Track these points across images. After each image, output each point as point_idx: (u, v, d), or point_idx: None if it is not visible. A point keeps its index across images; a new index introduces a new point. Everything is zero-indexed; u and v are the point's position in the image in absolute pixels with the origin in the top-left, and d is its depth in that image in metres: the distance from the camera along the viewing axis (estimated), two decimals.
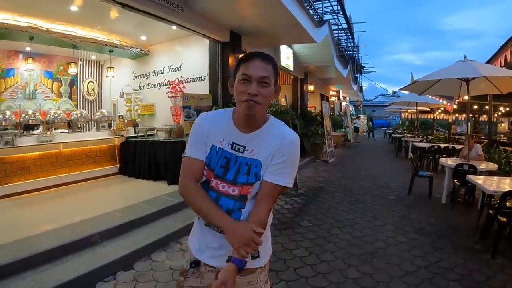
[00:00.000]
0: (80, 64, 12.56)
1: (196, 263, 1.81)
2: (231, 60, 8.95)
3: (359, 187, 9.41)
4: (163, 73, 10.96)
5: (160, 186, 7.87)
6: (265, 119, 1.79)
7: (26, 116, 8.24)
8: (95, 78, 13.40)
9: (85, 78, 13.07)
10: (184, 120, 7.86)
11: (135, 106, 11.72)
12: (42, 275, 3.90)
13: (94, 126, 10.29)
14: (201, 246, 1.81)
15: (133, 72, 12.11)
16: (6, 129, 7.43)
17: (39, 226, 5.12)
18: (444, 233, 5.79)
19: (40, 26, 8.42)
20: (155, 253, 4.90)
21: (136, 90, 11.83)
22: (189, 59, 10.06)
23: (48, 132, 8.39)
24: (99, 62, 13.50)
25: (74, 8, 7.81)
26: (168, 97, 9.90)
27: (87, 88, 13.15)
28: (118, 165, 9.51)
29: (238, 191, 1.73)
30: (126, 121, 10.38)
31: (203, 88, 9.38)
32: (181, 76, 10.11)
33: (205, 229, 1.80)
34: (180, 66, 10.31)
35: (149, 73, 11.48)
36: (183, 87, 9.87)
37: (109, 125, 9.77)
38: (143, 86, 11.72)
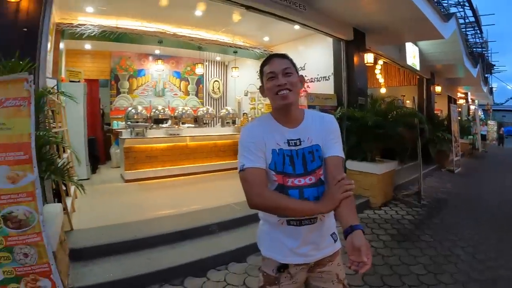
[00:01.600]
0: (206, 65, 13.38)
1: (283, 267, 1.88)
2: (356, 59, 8.63)
3: (487, 203, 8.35)
4: None
5: None
6: (303, 112, 1.96)
7: (156, 111, 9.01)
8: (220, 78, 14.27)
9: (211, 77, 13.99)
10: None
11: (259, 105, 12.07)
12: (158, 255, 4.19)
13: (218, 123, 10.79)
14: (285, 251, 1.87)
15: (257, 71, 12.16)
16: (137, 122, 8.19)
17: (161, 210, 5.54)
18: None
19: (168, 31, 9.12)
20: None
21: None
22: (312, 59, 10.02)
23: (176, 126, 9.03)
24: (224, 63, 14.31)
25: (199, 13, 8.25)
26: None
27: (213, 87, 14.06)
28: None
29: (315, 178, 1.83)
30: (250, 118, 10.66)
31: (327, 88, 9.23)
32: (305, 76, 10.04)
33: (285, 233, 1.87)
34: (304, 66, 10.29)
35: None
36: (307, 86, 9.86)
37: (233, 122, 10.12)
38: None
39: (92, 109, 9.89)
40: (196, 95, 13.59)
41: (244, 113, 11.20)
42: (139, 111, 8.59)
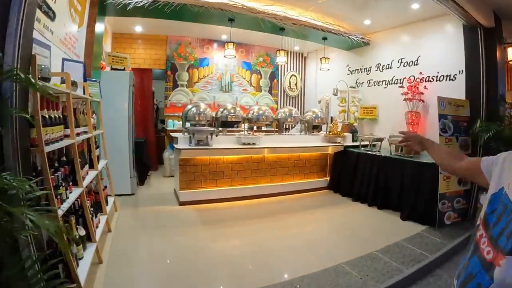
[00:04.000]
0: (282, 55, 11.19)
1: None
2: (498, 54, 6.21)
3: None
4: (391, 68, 8.71)
5: (390, 220, 5.67)
6: None
7: (225, 111, 7.06)
8: (297, 72, 12.23)
9: (287, 71, 12.00)
10: (440, 135, 5.59)
11: (352, 107, 9.72)
12: None
13: (292, 127, 8.92)
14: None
15: (347, 65, 10.20)
16: (196, 125, 6.51)
17: (230, 278, 3.53)
18: None
19: (242, 5, 7.12)
20: None
21: (353, 87, 9.81)
22: (429, 52, 7.67)
23: (251, 132, 7.18)
24: (302, 54, 12.26)
25: None
26: (404, 99, 7.64)
27: (289, 82, 12.04)
28: (328, 179, 7.85)
29: (492, 256, 1.16)
30: (340, 125, 8.42)
31: (453, 90, 6.84)
32: (420, 73, 7.75)
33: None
34: (417, 60, 7.96)
35: (370, 67, 9.36)
36: (424, 87, 7.52)
37: (316, 128, 8.01)
38: (362, 83, 9.67)
39: (143, 105, 8.89)
40: (270, 91, 11.69)
41: (332, 118, 9.01)
42: (201, 110, 6.65)
